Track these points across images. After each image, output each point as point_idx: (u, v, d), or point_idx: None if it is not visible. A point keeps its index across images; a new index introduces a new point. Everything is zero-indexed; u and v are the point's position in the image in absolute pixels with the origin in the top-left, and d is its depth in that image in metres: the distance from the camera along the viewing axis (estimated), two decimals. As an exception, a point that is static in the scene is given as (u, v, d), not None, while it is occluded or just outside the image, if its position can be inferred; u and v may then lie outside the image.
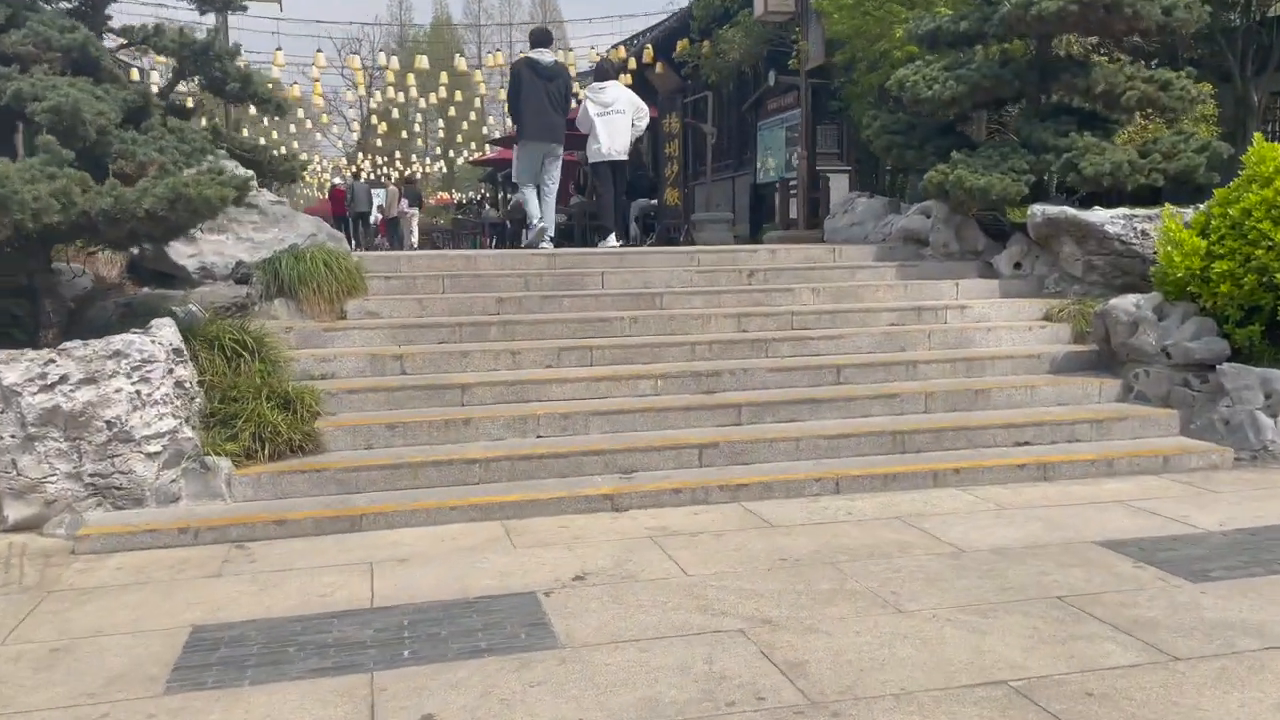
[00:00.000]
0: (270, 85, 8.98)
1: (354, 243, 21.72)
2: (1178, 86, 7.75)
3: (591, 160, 8.80)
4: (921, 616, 3.40)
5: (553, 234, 8.65)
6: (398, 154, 42.81)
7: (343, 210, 21.99)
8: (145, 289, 6.27)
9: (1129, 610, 3.43)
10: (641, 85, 17.30)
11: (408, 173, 40.88)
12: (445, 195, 47.09)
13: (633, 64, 18.55)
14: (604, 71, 9.02)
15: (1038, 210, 7.37)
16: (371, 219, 23.46)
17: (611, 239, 8.86)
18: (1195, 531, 4.32)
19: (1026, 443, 5.60)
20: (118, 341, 4.63)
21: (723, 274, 7.55)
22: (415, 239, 23.57)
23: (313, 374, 5.75)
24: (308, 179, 39.58)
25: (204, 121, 16.76)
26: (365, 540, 4.33)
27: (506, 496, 4.72)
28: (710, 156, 16.48)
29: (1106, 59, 8.33)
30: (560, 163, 8.56)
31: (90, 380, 4.47)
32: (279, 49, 20.69)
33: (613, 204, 8.83)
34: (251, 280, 6.38)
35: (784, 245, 8.89)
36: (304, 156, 39.44)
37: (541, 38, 8.55)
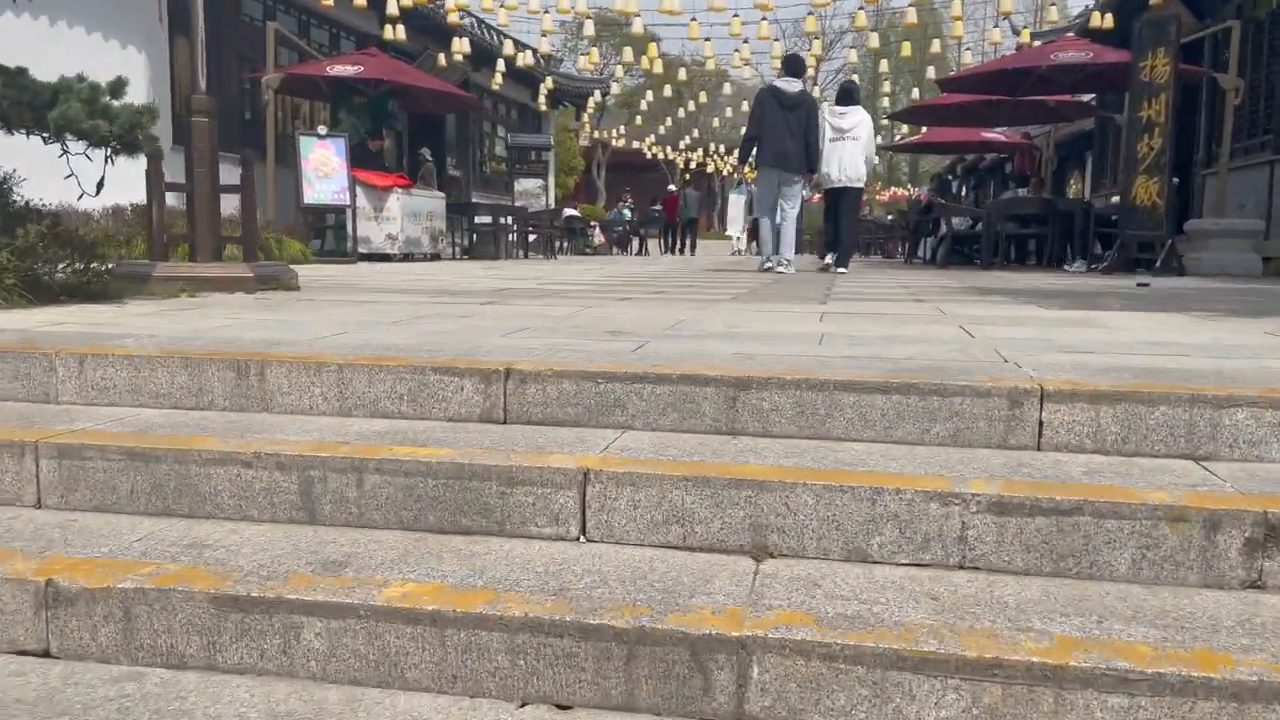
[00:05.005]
0: None
1: (679, 248, 22.52)
2: None
3: (823, 185, 8.83)
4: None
5: (790, 259, 8.56)
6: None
7: (672, 218, 22.35)
8: None
9: None
10: (1124, 30, 10.95)
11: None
12: (902, 191, 40.67)
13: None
14: (848, 94, 8.90)
15: None
16: (737, 227, 22.82)
17: (829, 259, 8.69)
18: None
19: None
20: None
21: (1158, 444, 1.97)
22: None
23: None
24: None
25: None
26: None
27: None
28: (1229, 127, 9.73)
29: None
30: (800, 191, 8.51)
31: None
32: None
33: (839, 231, 8.82)
34: None
35: None
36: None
37: (793, 67, 8.55)
